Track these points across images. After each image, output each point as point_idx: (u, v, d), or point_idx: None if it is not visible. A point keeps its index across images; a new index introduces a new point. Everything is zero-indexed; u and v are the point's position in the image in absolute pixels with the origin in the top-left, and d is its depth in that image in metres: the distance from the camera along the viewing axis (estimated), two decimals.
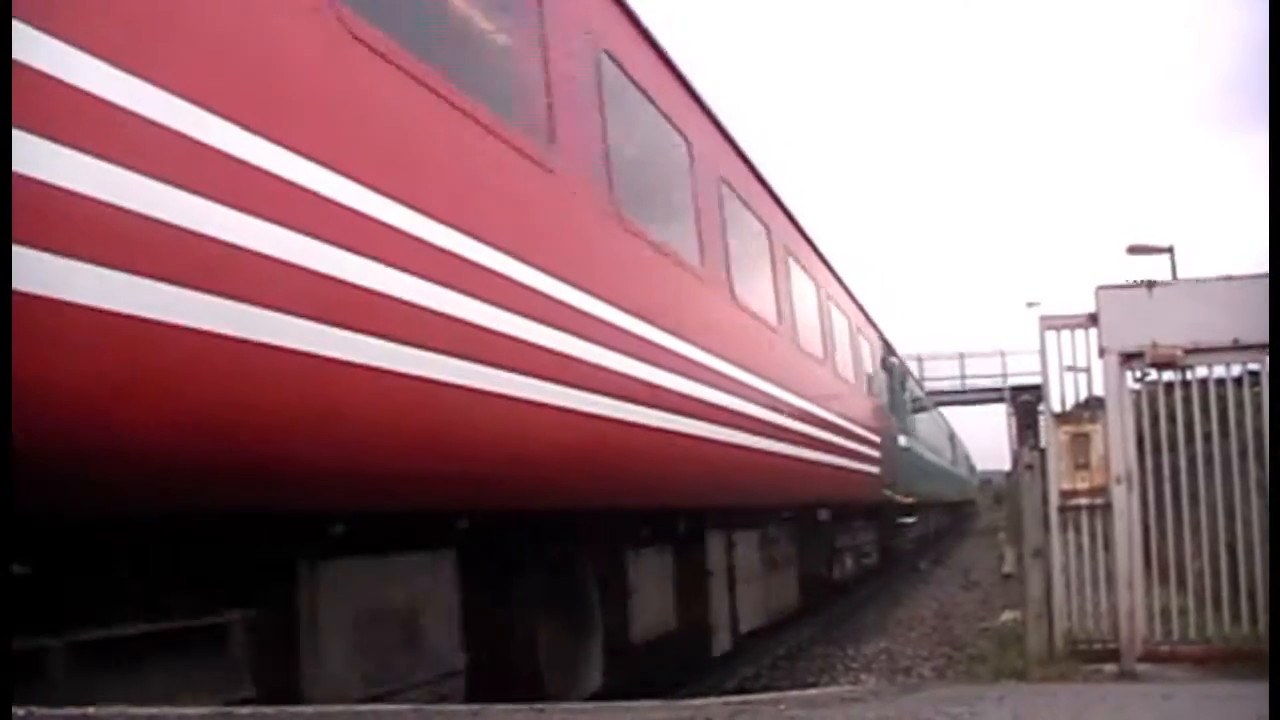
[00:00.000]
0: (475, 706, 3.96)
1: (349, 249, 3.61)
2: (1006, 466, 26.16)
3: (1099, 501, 7.53)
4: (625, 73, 6.52)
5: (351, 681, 3.95)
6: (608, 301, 5.63)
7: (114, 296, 2.79)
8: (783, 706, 3.91)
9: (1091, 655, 7.33)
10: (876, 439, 15.87)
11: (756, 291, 9.57)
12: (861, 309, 16.91)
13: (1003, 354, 49.87)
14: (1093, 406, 7.74)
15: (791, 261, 11.43)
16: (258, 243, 3.25)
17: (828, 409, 12.05)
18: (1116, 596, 7.37)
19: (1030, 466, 7.92)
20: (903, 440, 20.08)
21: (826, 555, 14.10)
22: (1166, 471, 7.51)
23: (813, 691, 6.51)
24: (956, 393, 49.27)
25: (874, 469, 15.47)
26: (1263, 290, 6.36)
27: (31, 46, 2.61)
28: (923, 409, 28.91)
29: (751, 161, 9.91)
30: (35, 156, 2.59)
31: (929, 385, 37.26)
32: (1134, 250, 24.79)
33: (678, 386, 6.76)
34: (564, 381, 5.01)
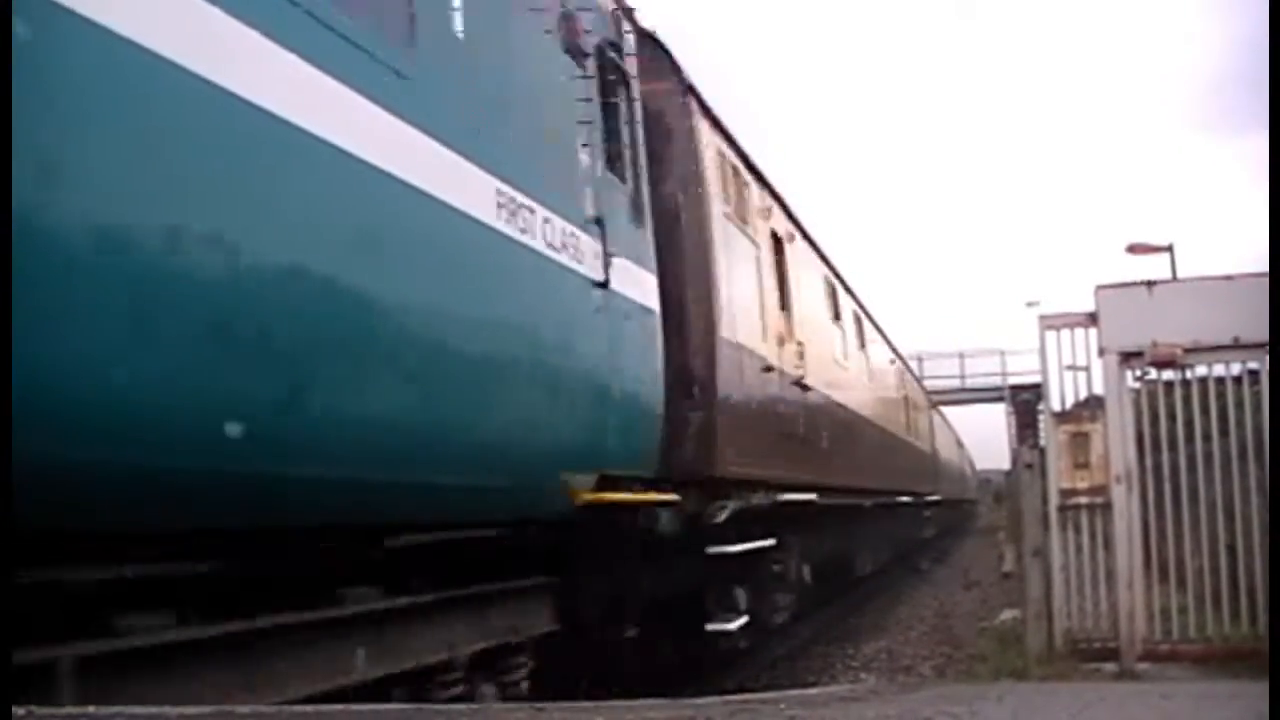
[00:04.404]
0: (475, 706, 3.96)
1: None
2: (1006, 466, 26.14)
3: (1099, 500, 7.54)
4: None
5: None
6: None
7: None
8: (783, 706, 3.91)
9: (1091, 654, 7.33)
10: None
11: None
12: None
13: (1002, 353, 49.75)
14: (1092, 405, 7.74)
15: None
16: None
17: None
18: (1116, 595, 7.37)
19: (1030, 465, 7.93)
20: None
21: None
22: (1166, 470, 7.52)
23: (813, 691, 6.51)
24: (956, 391, 49.21)
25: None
26: (1262, 289, 6.36)
27: None
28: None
29: None
30: None
31: (929, 385, 36.97)
32: (1133, 250, 24.74)
33: None
34: None
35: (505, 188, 4.59)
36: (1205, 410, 7.47)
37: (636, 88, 6.50)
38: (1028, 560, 7.82)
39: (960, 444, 42.90)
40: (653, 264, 6.45)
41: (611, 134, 6.12)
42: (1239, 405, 7.43)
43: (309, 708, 3.32)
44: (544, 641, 5.48)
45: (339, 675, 3.84)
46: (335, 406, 3.56)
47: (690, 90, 7.33)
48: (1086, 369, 7.68)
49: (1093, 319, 7.58)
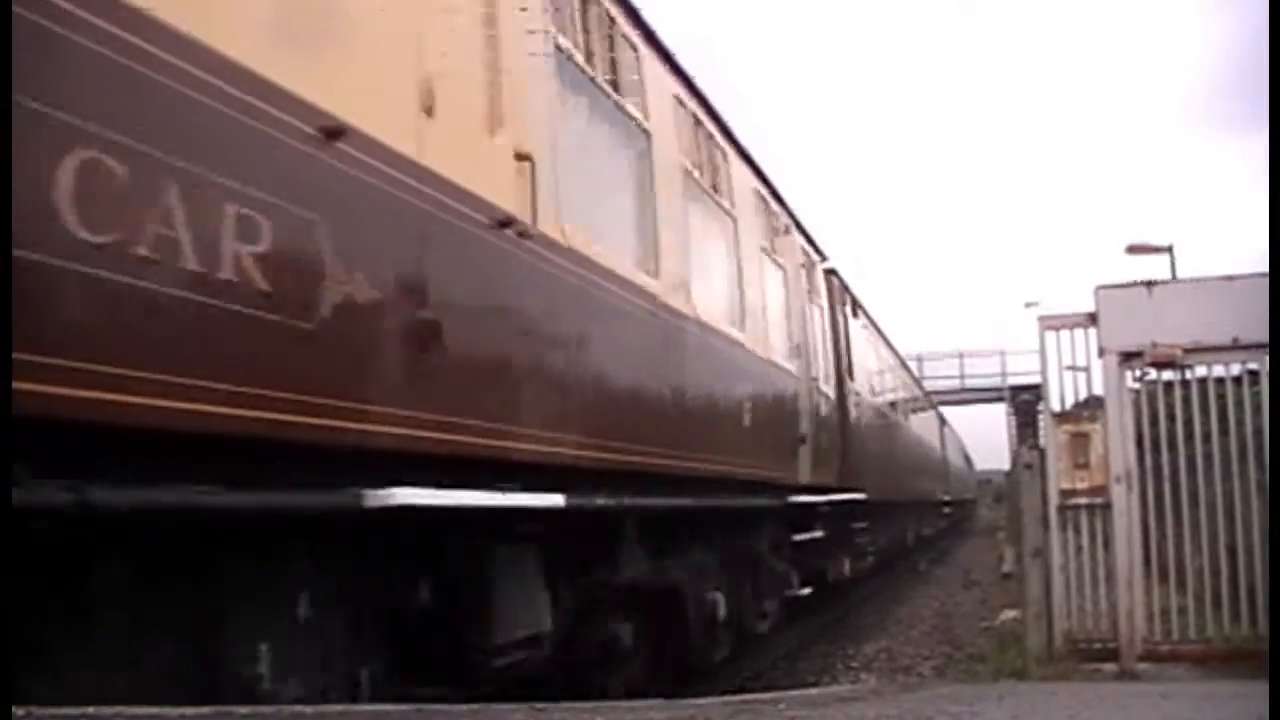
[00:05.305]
0: (476, 706, 3.96)
1: None
2: (1006, 466, 26.14)
3: (1098, 501, 7.54)
4: None
5: None
6: None
7: None
8: (783, 706, 3.92)
9: (1091, 654, 7.33)
10: None
11: None
12: None
13: (1002, 353, 49.90)
14: (1092, 406, 7.75)
15: None
16: None
17: None
18: (1116, 596, 7.36)
19: (1030, 466, 7.92)
20: None
21: None
22: (1166, 471, 7.52)
23: (813, 691, 6.52)
24: (956, 392, 49.26)
25: None
26: (1262, 289, 6.37)
27: None
28: None
29: None
30: None
31: (929, 385, 36.91)
32: (1133, 250, 24.77)
33: None
34: None
35: None
36: (1205, 411, 7.47)
37: None
38: (1027, 560, 7.82)
39: (944, 421, 35.13)
40: None
41: None
42: (1239, 406, 7.44)
43: (309, 708, 3.31)
44: None
45: None
46: None
47: None
48: (1086, 369, 7.68)
49: (1092, 319, 7.58)
